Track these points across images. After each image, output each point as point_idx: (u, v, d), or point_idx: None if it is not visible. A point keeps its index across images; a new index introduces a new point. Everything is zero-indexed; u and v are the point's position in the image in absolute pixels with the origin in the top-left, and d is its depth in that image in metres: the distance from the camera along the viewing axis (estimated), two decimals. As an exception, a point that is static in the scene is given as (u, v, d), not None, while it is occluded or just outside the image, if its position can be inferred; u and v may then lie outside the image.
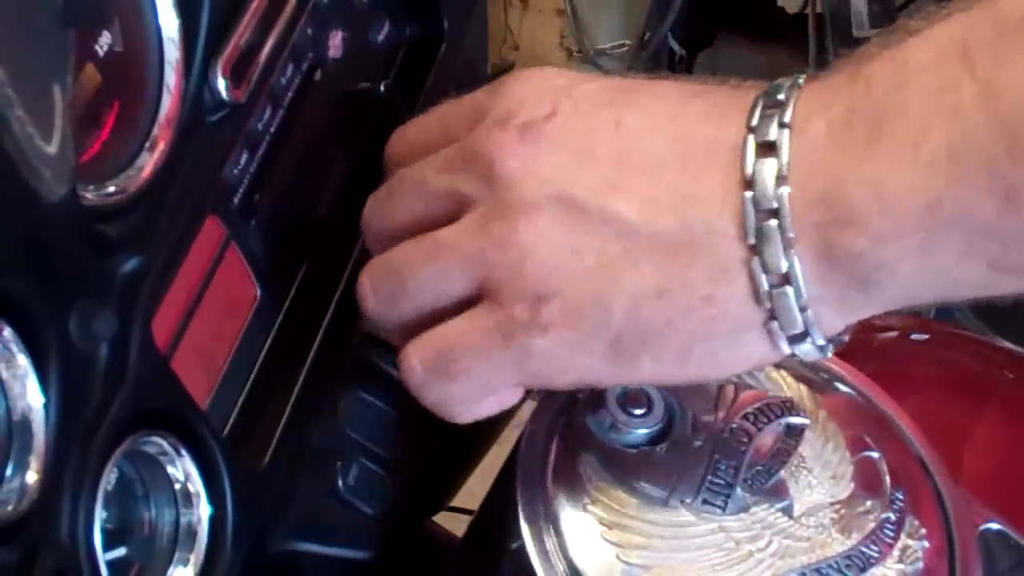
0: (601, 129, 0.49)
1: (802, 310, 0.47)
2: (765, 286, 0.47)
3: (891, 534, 0.54)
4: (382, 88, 0.63)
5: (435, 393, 0.53)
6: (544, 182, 0.49)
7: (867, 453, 0.56)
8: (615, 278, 0.48)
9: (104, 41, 0.47)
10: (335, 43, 0.62)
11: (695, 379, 0.51)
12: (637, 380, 0.52)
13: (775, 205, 0.45)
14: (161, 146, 0.48)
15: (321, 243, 0.61)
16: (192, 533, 0.49)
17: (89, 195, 0.45)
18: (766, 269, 0.46)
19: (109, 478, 0.45)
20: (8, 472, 0.40)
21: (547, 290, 0.49)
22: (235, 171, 0.54)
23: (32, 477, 0.41)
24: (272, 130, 0.56)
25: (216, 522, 0.49)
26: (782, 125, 0.46)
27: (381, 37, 0.67)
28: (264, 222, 0.56)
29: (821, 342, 0.48)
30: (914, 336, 0.80)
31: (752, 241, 0.46)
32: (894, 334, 0.78)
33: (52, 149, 0.40)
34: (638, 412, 0.55)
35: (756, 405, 0.56)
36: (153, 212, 0.47)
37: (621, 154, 0.49)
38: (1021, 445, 0.73)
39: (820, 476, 0.55)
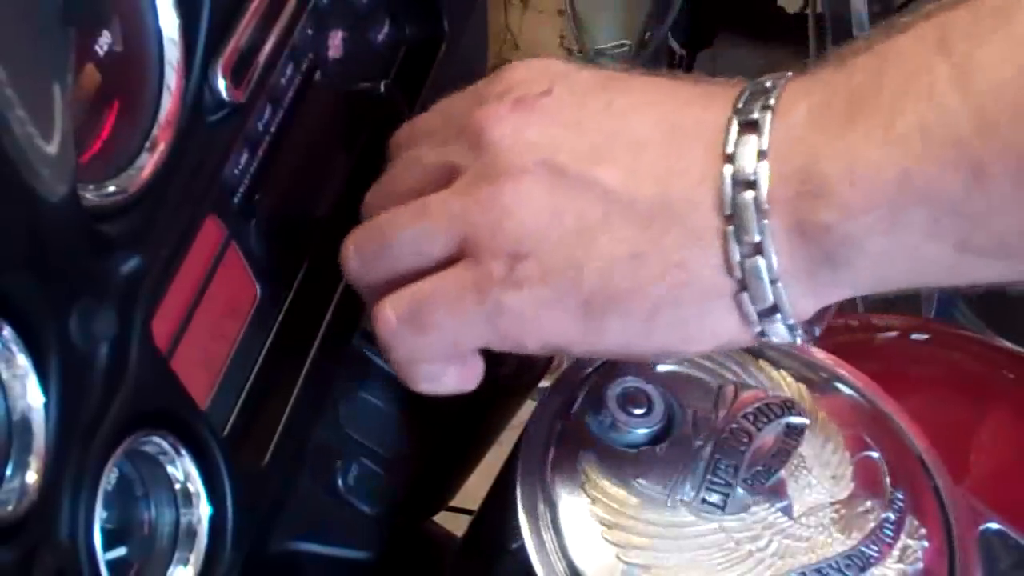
0: (592, 108, 0.51)
1: (772, 282, 0.48)
2: (737, 256, 0.48)
3: (891, 534, 0.54)
4: (382, 88, 0.63)
5: (405, 346, 0.53)
6: (532, 148, 0.51)
7: (867, 453, 0.56)
8: (591, 240, 0.50)
9: (104, 41, 0.47)
10: (335, 43, 0.62)
11: (663, 351, 0.52)
12: (605, 347, 0.52)
13: (753, 178, 0.47)
14: (161, 146, 0.48)
15: (321, 243, 0.60)
16: (192, 533, 0.49)
17: (89, 195, 0.45)
18: (739, 239, 0.48)
19: (109, 478, 0.45)
20: (8, 472, 0.40)
21: (524, 249, 0.50)
22: (235, 171, 0.54)
23: (32, 477, 0.41)
24: (272, 130, 0.56)
25: (216, 522, 0.49)
26: (765, 108, 0.48)
27: (381, 37, 0.67)
28: (264, 222, 0.56)
29: (791, 321, 0.49)
30: (914, 336, 0.80)
31: (728, 212, 0.48)
32: (894, 334, 0.78)
33: (52, 149, 0.40)
34: (638, 412, 0.55)
35: (756, 405, 0.56)
36: (153, 212, 0.47)
37: (609, 130, 0.51)
38: (1021, 445, 0.73)
39: (820, 476, 0.55)
